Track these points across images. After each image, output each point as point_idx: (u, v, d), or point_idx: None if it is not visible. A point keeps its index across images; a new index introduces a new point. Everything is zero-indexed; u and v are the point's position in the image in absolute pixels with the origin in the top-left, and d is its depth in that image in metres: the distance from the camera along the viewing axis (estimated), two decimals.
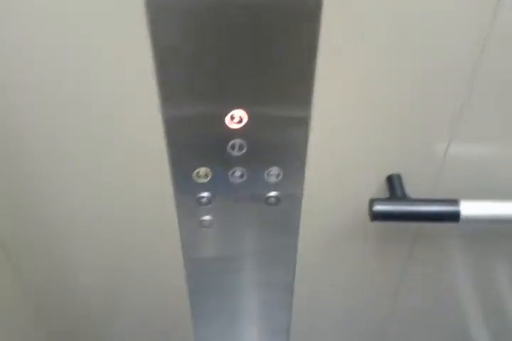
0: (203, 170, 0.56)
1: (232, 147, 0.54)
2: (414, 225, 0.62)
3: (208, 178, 0.56)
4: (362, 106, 0.52)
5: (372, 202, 0.51)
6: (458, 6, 0.45)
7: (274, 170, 0.56)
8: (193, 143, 0.54)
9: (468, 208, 0.49)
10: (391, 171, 0.57)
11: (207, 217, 0.60)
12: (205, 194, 0.58)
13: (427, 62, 0.48)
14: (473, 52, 0.48)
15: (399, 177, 0.56)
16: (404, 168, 0.57)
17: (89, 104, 0.52)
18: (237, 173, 0.56)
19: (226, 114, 0.51)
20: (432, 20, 0.46)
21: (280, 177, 0.56)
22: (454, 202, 0.50)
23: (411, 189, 0.56)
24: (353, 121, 0.53)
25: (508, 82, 0.50)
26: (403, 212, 0.51)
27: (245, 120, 0.51)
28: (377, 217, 0.51)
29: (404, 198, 0.52)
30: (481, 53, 0.48)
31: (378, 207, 0.50)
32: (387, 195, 0.56)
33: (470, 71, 0.49)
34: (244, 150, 0.54)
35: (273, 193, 0.58)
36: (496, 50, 0.47)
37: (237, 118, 0.51)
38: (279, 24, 0.44)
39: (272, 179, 0.56)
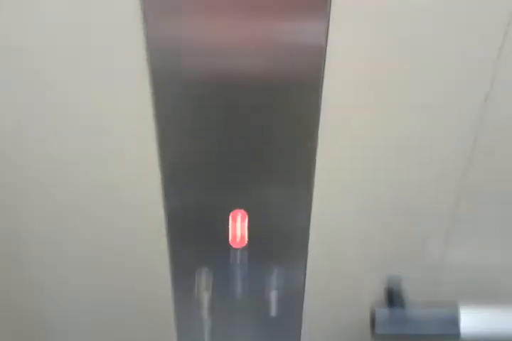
0: (204, 271, 0.56)
1: (234, 248, 0.54)
2: None
3: (209, 279, 0.56)
4: (360, 211, 0.53)
5: (373, 323, 0.49)
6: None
7: (276, 271, 0.56)
8: (194, 244, 0.54)
9: (468, 328, 0.49)
10: (389, 272, 0.57)
11: (206, 319, 0.60)
12: (205, 295, 0.57)
13: (417, 166, 0.49)
14: (465, 149, 0.48)
15: (398, 287, 0.55)
16: (402, 271, 0.57)
17: (85, 197, 0.52)
18: (238, 274, 0.56)
19: (227, 214, 0.52)
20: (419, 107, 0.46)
21: (282, 278, 0.56)
22: (455, 323, 0.49)
23: (409, 291, 0.56)
24: (351, 226, 0.54)
25: (499, 183, 0.51)
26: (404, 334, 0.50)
27: (246, 220, 0.52)
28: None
29: (404, 318, 0.51)
30: (472, 150, 0.49)
31: (380, 331, 0.49)
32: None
33: (460, 173, 0.50)
34: (245, 251, 0.54)
35: (274, 294, 0.58)
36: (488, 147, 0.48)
37: (238, 217, 0.52)
38: (280, 113, 0.45)
39: (273, 280, 0.56)
